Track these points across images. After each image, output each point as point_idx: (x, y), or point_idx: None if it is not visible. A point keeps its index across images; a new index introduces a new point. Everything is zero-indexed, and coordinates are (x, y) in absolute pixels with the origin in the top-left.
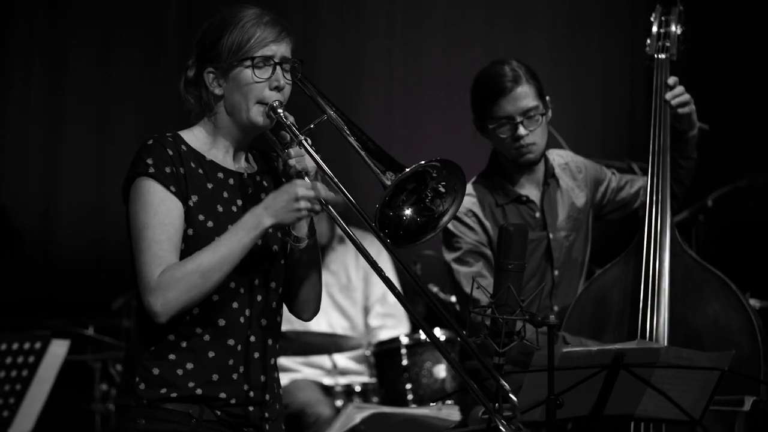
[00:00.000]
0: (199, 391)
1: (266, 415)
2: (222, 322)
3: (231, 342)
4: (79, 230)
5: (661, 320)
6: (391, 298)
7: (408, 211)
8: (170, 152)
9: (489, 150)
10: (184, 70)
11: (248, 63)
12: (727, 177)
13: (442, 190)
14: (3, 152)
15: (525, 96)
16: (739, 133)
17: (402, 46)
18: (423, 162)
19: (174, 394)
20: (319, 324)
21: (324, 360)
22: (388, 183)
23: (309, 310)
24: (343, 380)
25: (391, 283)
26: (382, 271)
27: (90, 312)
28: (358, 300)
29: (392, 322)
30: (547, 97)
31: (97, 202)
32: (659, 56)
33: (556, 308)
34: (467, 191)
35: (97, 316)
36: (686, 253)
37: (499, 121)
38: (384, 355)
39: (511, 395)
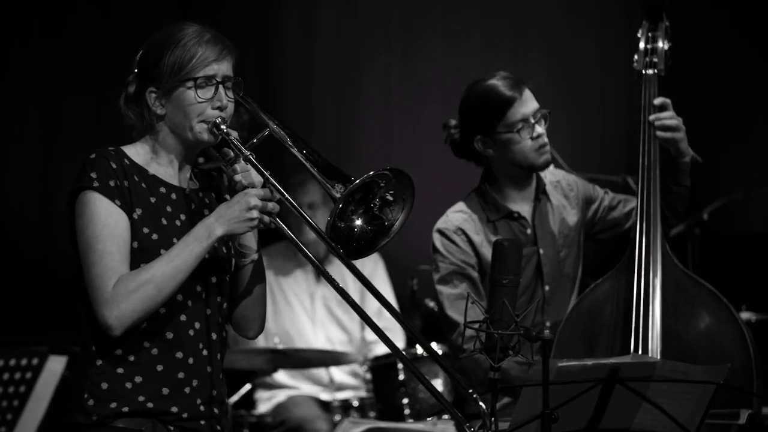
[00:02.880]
0: (150, 405)
1: (218, 428)
2: (170, 335)
3: (179, 355)
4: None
5: (653, 334)
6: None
7: (358, 222)
8: (114, 165)
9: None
10: (125, 86)
11: (190, 84)
12: (722, 190)
13: (390, 198)
14: None
15: (531, 98)
16: (734, 145)
17: (399, 60)
18: (372, 172)
19: (125, 409)
20: (317, 337)
21: (321, 375)
22: (338, 195)
23: (253, 328)
24: (340, 395)
25: (386, 300)
26: (372, 286)
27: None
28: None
29: (389, 336)
30: None
31: None
32: (647, 72)
33: (548, 323)
34: (458, 208)
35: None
36: (677, 267)
37: (516, 125)
38: (380, 369)
39: (480, 403)
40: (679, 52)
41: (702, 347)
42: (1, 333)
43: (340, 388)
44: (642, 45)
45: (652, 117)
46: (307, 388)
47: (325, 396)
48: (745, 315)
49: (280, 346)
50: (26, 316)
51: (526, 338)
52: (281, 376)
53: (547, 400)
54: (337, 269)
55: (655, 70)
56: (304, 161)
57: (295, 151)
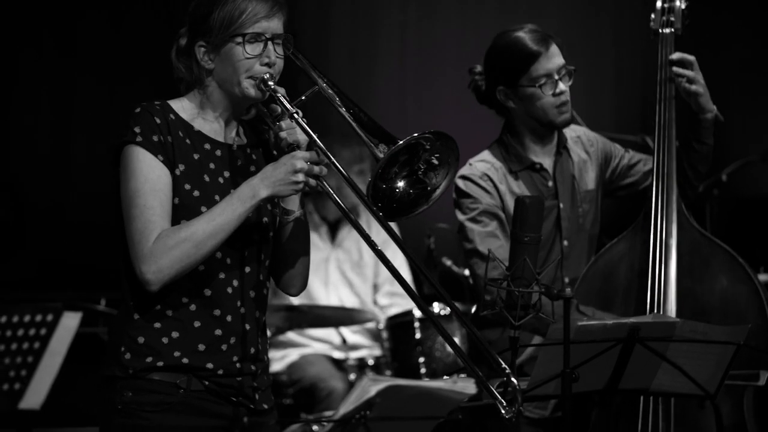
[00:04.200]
0: (185, 360)
1: (255, 384)
2: (208, 293)
3: (217, 312)
4: (92, 205)
5: (668, 295)
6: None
7: (401, 184)
8: (158, 120)
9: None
10: (176, 38)
11: (239, 39)
12: (741, 151)
13: (435, 162)
14: (12, 126)
15: (557, 53)
16: (752, 106)
17: (415, 22)
18: (416, 134)
19: (160, 363)
20: (329, 299)
21: (333, 335)
22: (381, 155)
23: (296, 285)
24: (354, 354)
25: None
26: (379, 249)
27: (102, 284)
28: (369, 277)
29: (401, 301)
30: None
31: (108, 176)
32: (663, 31)
33: (566, 279)
34: (482, 157)
35: (109, 288)
36: (693, 227)
37: (539, 80)
38: (397, 328)
39: (513, 379)
40: (698, 12)
41: (717, 308)
42: (16, 291)
43: (353, 347)
44: (659, 3)
45: (675, 70)
46: (319, 347)
47: (337, 354)
48: (763, 277)
49: (296, 302)
50: (40, 276)
51: (546, 296)
52: (293, 335)
53: (568, 359)
54: (355, 234)
55: (672, 29)
56: (350, 120)
57: (342, 110)
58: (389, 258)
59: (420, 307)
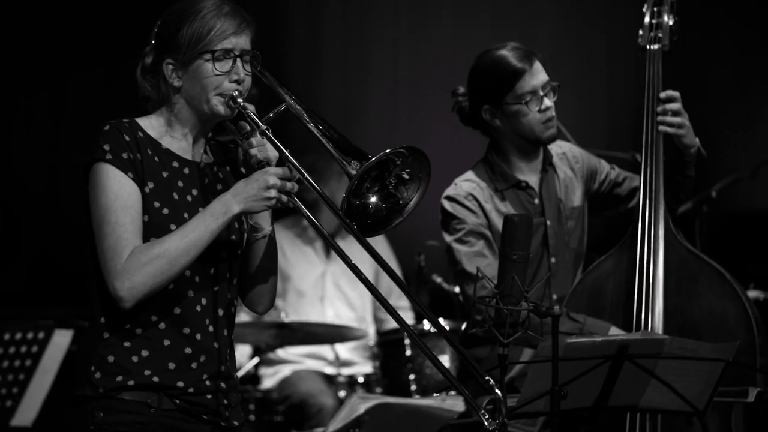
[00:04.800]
0: (155, 379)
1: (225, 402)
2: (177, 311)
3: (186, 330)
4: (82, 218)
5: (656, 311)
6: (396, 290)
7: (373, 199)
8: (127, 138)
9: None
10: (141, 57)
11: (208, 56)
12: (730, 167)
13: (406, 177)
14: (3, 139)
15: (541, 69)
16: (742, 122)
17: (407, 39)
18: (388, 150)
19: (131, 382)
20: (326, 314)
21: (326, 351)
22: (353, 172)
23: (263, 303)
24: (346, 371)
25: (397, 276)
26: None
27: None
28: (365, 290)
29: (403, 315)
30: None
31: None
32: (651, 47)
33: (554, 296)
34: (467, 177)
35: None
36: (680, 244)
37: (524, 97)
38: (387, 345)
39: (496, 390)
40: (688, 28)
41: (705, 325)
42: (7, 307)
43: (345, 364)
44: (647, 20)
45: (659, 108)
46: (311, 363)
47: (329, 371)
48: (753, 293)
49: (287, 320)
50: (32, 292)
51: (535, 314)
52: (285, 352)
53: (557, 376)
54: (348, 246)
55: (660, 45)
56: (320, 137)
57: (311, 126)
58: (385, 274)
59: (398, 322)
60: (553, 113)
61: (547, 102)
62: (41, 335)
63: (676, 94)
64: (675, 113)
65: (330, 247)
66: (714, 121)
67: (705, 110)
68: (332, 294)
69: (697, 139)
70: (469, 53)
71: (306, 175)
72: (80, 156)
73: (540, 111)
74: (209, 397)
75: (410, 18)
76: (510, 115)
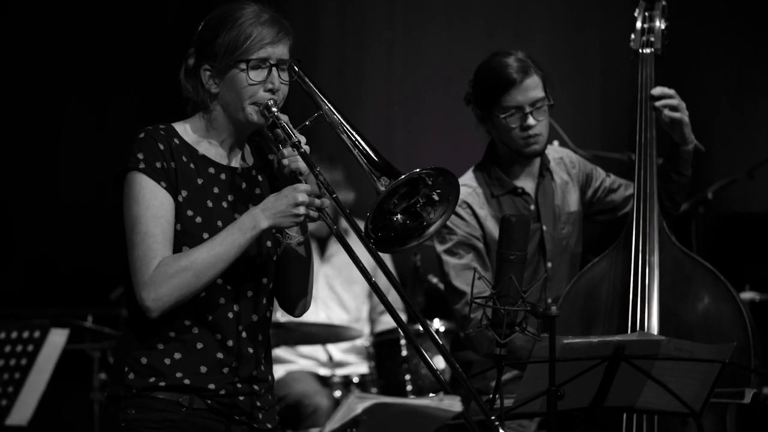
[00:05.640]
0: (187, 381)
1: (258, 404)
2: (210, 317)
3: (218, 337)
4: (78, 219)
5: (650, 313)
6: (393, 293)
7: (398, 216)
8: (161, 146)
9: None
10: (185, 58)
11: (243, 65)
12: (726, 169)
13: (436, 198)
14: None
15: (535, 86)
16: (738, 124)
17: (403, 45)
18: (418, 170)
19: (163, 383)
20: (318, 316)
21: (319, 352)
22: (382, 189)
23: (300, 307)
24: (341, 371)
25: (377, 286)
26: (370, 275)
27: (89, 302)
28: (359, 293)
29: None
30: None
31: (95, 192)
32: (644, 51)
33: (549, 301)
34: (464, 181)
35: (96, 305)
36: (674, 246)
37: (509, 111)
38: (383, 345)
39: (491, 417)
40: (683, 31)
41: (700, 326)
42: (3, 308)
43: (339, 364)
44: (639, 24)
45: (658, 104)
46: (305, 363)
47: (323, 371)
48: (748, 295)
49: (283, 320)
50: (28, 292)
51: (532, 314)
52: (279, 351)
53: (554, 376)
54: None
55: (652, 49)
56: (352, 148)
57: (344, 137)
58: (379, 277)
59: (398, 323)
60: (539, 131)
61: (531, 121)
62: (37, 334)
63: (670, 91)
64: (673, 108)
65: (355, 265)
66: (709, 122)
67: (700, 112)
68: (325, 295)
69: (693, 136)
70: (465, 56)
71: (334, 193)
72: (70, 160)
73: (521, 128)
74: (242, 398)
75: (406, 21)
76: (496, 125)
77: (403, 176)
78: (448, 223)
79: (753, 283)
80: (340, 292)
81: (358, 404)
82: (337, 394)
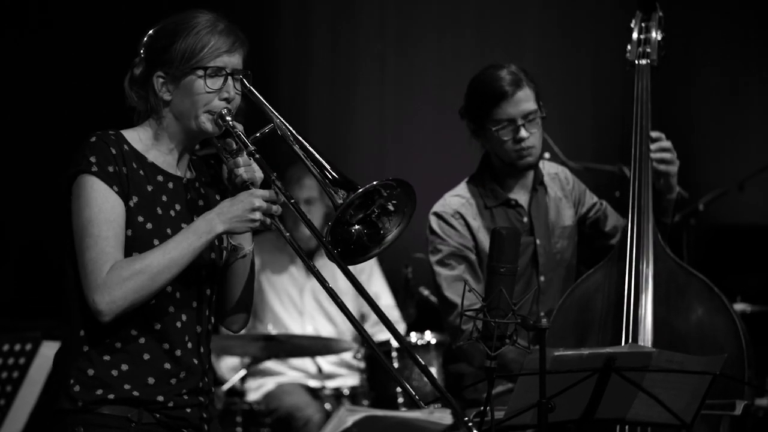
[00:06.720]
0: (135, 393)
1: (205, 415)
2: (158, 326)
3: (166, 346)
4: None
5: (644, 325)
6: (384, 301)
7: (356, 226)
8: (113, 151)
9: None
10: (130, 67)
11: (200, 72)
12: (717, 181)
13: (391, 208)
14: None
15: (527, 99)
16: (728, 135)
17: (394, 57)
18: (375, 182)
19: (111, 396)
20: (305, 328)
21: (308, 364)
22: (340, 202)
23: (238, 322)
24: (331, 383)
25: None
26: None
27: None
28: (347, 306)
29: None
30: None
31: None
32: (640, 62)
33: (542, 313)
34: (457, 192)
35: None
36: (669, 257)
37: (501, 123)
38: (374, 358)
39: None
40: (674, 43)
41: (694, 337)
42: None
43: (329, 377)
44: (635, 35)
45: (654, 146)
46: (294, 375)
47: (313, 383)
48: (740, 306)
49: (274, 332)
50: (19, 303)
51: (523, 327)
52: (269, 363)
53: (544, 389)
54: (330, 264)
55: (648, 61)
56: (306, 161)
57: (297, 148)
58: (368, 287)
59: (395, 336)
60: (532, 143)
61: (523, 133)
62: (29, 347)
63: (666, 143)
64: (667, 162)
65: (308, 269)
66: (701, 134)
67: (692, 124)
68: (312, 309)
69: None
70: (456, 68)
71: (292, 199)
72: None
73: (514, 141)
74: (189, 410)
75: (397, 33)
76: (488, 138)
77: (360, 189)
78: (440, 232)
79: (744, 294)
80: (327, 305)
81: (348, 417)
82: (328, 406)
